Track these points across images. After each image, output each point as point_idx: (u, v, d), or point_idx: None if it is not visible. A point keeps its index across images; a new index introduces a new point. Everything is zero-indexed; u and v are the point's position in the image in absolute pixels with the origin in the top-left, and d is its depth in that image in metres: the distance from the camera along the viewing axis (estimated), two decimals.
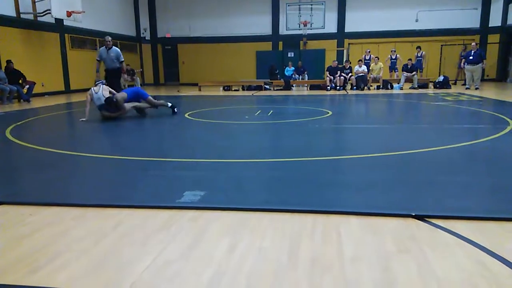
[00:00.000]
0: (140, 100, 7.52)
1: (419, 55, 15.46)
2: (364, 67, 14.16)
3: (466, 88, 13.07)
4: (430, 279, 1.73)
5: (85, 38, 15.58)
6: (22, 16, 12.38)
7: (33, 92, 11.72)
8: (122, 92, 7.24)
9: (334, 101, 10.78)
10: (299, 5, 17.87)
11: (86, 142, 5.54)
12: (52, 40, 13.84)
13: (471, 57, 12.85)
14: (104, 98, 6.86)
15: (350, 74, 14.19)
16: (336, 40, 18.85)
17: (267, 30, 19.25)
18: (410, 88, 13.87)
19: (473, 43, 13.45)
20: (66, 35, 14.49)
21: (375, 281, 1.72)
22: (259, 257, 1.95)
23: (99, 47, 9.54)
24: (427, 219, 2.35)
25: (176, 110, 7.85)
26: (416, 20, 18.01)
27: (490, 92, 11.90)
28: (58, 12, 12.46)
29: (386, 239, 2.12)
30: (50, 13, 12.35)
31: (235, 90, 15.34)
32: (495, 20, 17.37)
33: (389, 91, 13.40)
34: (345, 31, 18.68)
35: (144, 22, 20.11)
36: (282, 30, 18.92)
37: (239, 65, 19.36)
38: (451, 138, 4.97)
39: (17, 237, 2.25)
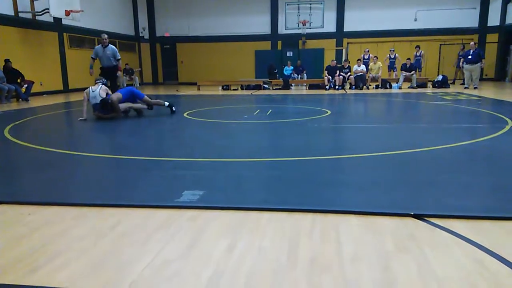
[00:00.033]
0: (136, 100, 7.50)
1: (418, 54, 15.47)
2: (363, 67, 14.17)
3: (465, 88, 13.09)
4: (429, 278, 1.73)
5: (84, 37, 15.55)
6: (20, 15, 12.35)
7: (31, 91, 11.70)
8: (117, 93, 7.18)
9: (333, 100, 10.79)
10: (298, 4, 17.87)
11: (85, 142, 5.53)
12: (50, 39, 13.81)
13: (469, 57, 12.87)
14: (100, 99, 6.82)
15: (349, 74, 14.20)
16: (335, 40, 18.86)
17: (266, 29, 19.24)
18: (409, 87, 13.88)
19: (472, 43, 13.47)
20: (64, 34, 14.46)
21: (374, 281, 1.72)
22: (258, 256, 1.95)
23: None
24: (426, 218, 2.35)
25: (174, 109, 7.81)
26: (415, 20, 18.02)
27: (488, 92, 11.92)
28: (56, 11, 12.43)
29: (385, 238, 2.12)
30: (48, 12, 12.32)
31: (234, 90, 15.34)
32: (493, 19, 17.40)
33: (388, 91, 13.41)
34: (344, 30, 18.68)
35: (143, 21, 20.07)
36: (281, 30, 18.92)
37: (238, 65, 19.36)
38: (450, 137, 4.97)
39: (16, 236, 2.25)
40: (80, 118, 6.98)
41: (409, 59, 14.25)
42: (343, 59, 16.14)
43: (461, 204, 2.59)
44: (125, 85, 15.74)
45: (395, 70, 15.36)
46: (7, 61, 11.02)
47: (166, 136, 5.83)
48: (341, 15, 18.58)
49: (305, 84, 15.72)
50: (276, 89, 15.09)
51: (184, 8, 19.58)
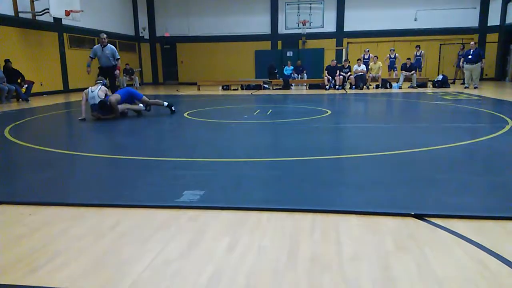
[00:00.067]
0: (135, 101, 7.49)
1: (418, 54, 15.47)
2: (363, 66, 14.17)
3: (465, 87, 13.09)
4: (430, 278, 1.73)
5: (84, 37, 15.55)
6: (20, 15, 12.36)
7: (31, 92, 11.71)
8: (115, 94, 7.16)
9: (333, 100, 10.78)
10: (298, 4, 17.88)
11: (85, 142, 5.54)
12: (50, 39, 13.82)
13: (470, 56, 12.87)
14: (98, 100, 6.82)
15: (349, 73, 14.20)
16: (335, 39, 18.87)
17: (266, 29, 19.24)
18: (409, 87, 13.88)
19: (472, 42, 13.47)
20: (64, 34, 14.47)
21: (374, 280, 1.72)
22: (258, 256, 1.95)
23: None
24: (426, 218, 2.35)
25: (173, 109, 7.77)
26: (415, 19, 18.03)
27: (489, 91, 11.92)
28: (56, 11, 12.44)
29: (386, 238, 2.12)
30: (48, 12, 12.33)
31: (234, 90, 15.34)
32: (493, 19, 17.41)
33: (388, 90, 13.41)
34: (344, 30, 18.69)
35: (143, 21, 20.08)
36: (281, 29, 18.92)
37: (238, 65, 19.36)
38: (450, 137, 4.97)
39: (16, 236, 2.25)
40: (80, 118, 6.98)
41: (409, 58, 14.25)
42: (343, 59, 16.14)
43: (461, 204, 2.59)
44: (125, 85, 15.75)
45: (395, 70, 15.37)
46: (7, 61, 11.03)
47: (166, 136, 5.83)
48: (341, 15, 18.58)
49: (305, 84, 15.72)
50: (276, 89, 15.09)
51: (184, 8, 19.58)
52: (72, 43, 14.92)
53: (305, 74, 16.33)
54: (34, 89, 12.09)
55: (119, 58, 9.35)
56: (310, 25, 17.64)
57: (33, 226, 2.38)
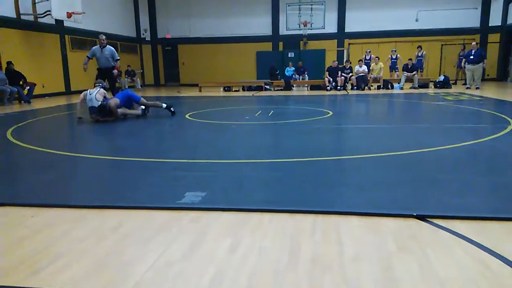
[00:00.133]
0: (133, 103, 7.49)
1: (419, 54, 15.46)
2: (364, 67, 14.17)
3: (467, 88, 13.06)
4: (431, 279, 1.73)
5: (85, 39, 15.59)
6: (22, 17, 12.40)
7: (33, 93, 11.75)
8: (114, 98, 7.15)
9: (334, 101, 10.78)
10: (299, 5, 17.88)
11: (87, 143, 5.55)
12: (52, 41, 13.86)
13: (471, 57, 12.84)
14: (96, 103, 6.83)
15: (350, 74, 14.20)
16: (336, 40, 18.86)
17: (267, 30, 19.26)
18: (410, 88, 13.87)
19: (474, 43, 13.44)
20: (66, 36, 14.51)
21: (376, 281, 1.72)
22: (259, 257, 1.95)
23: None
24: (428, 219, 2.35)
25: (173, 110, 7.64)
26: (416, 20, 18.02)
27: (490, 92, 11.89)
28: (58, 13, 12.48)
29: (387, 239, 2.12)
30: (50, 14, 12.37)
31: (235, 91, 15.35)
32: (495, 19, 17.38)
33: (389, 91, 13.40)
34: (345, 31, 18.69)
35: (144, 23, 20.13)
36: (282, 31, 18.93)
37: (240, 66, 19.38)
38: (452, 137, 4.96)
39: (18, 238, 2.26)
40: (78, 117, 7.06)
41: (410, 59, 14.24)
42: (345, 60, 16.14)
43: (463, 204, 2.58)
44: (126, 86, 15.79)
45: (396, 70, 15.35)
46: (9, 63, 11.07)
47: (168, 137, 5.84)
48: (342, 16, 18.58)
49: (306, 85, 15.72)
50: (277, 90, 15.10)
51: (185, 9, 19.62)
52: (73, 45, 14.96)
53: (306, 75, 16.33)
54: (36, 91, 12.12)
55: (118, 59, 9.31)
56: (311, 26, 17.64)
57: (35, 228, 2.39)
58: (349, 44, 18.88)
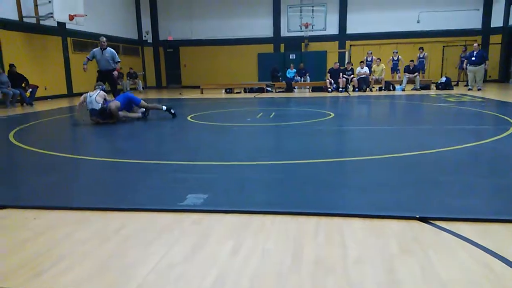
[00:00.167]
0: (133, 106, 7.49)
1: (421, 56, 15.46)
2: (366, 69, 14.17)
3: (469, 89, 13.05)
4: (434, 281, 1.72)
5: (87, 42, 15.64)
6: (24, 19, 12.45)
7: (36, 96, 11.78)
8: (115, 101, 7.15)
9: (336, 103, 10.78)
10: (300, 7, 17.91)
11: (89, 146, 5.56)
12: (54, 44, 13.91)
13: (473, 58, 12.83)
14: (96, 105, 6.83)
15: (352, 76, 14.20)
16: (337, 42, 18.87)
17: (268, 32, 19.28)
18: (412, 89, 13.86)
19: (475, 44, 13.43)
20: (68, 38, 14.56)
21: (379, 284, 1.71)
22: (262, 259, 1.95)
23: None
24: (431, 221, 2.34)
25: (173, 111, 7.56)
26: (418, 21, 18.02)
27: (492, 93, 11.87)
28: (60, 15, 12.53)
29: (390, 241, 2.11)
30: (52, 16, 12.42)
31: (237, 93, 15.36)
32: (497, 20, 17.37)
33: (391, 93, 13.39)
34: (347, 32, 18.70)
35: (146, 25, 20.18)
36: (284, 32, 18.95)
37: (241, 68, 19.40)
38: (454, 139, 4.95)
39: (21, 241, 2.26)
40: (76, 114, 7.13)
41: (412, 61, 14.24)
42: (346, 62, 16.15)
43: (466, 206, 2.58)
44: (128, 89, 15.82)
45: (398, 72, 15.35)
46: (11, 65, 11.12)
47: (169, 139, 5.85)
48: (343, 18, 18.60)
49: (308, 87, 15.73)
50: (279, 91, 15.11)
51: (187, 11, 19.67)
52: (75, 47, 15.01)
53: (308, 77, 16.33)
54: (38, 93, 12.16)
55: (119, 61, 9.29)
56: (312, 28, 17.67)
57: (37, 230, 2.39)
58: (350, 45, 18.89)
